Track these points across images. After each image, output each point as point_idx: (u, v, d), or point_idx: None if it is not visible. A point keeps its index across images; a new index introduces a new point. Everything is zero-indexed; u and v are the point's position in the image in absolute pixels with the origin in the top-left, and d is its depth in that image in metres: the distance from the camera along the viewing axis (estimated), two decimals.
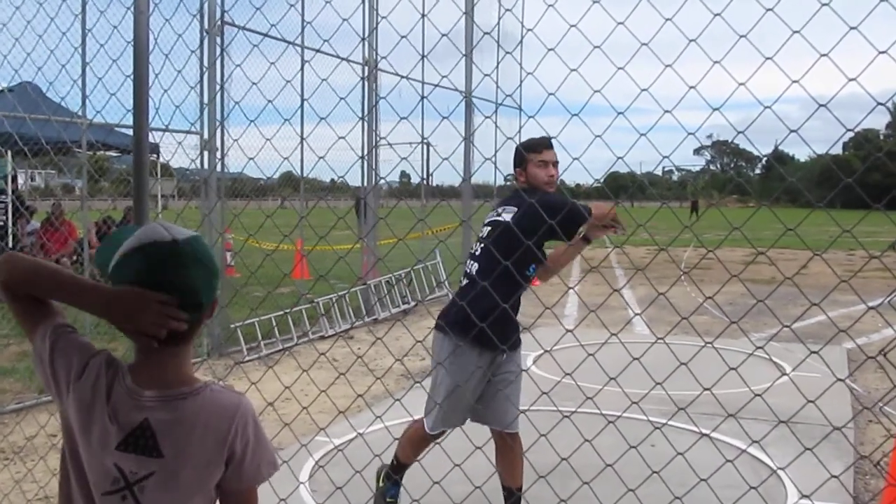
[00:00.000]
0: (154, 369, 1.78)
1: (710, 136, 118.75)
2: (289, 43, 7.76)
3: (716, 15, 2.29)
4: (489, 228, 4.35)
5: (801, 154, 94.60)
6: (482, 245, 4.31)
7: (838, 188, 2.54)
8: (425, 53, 3.28)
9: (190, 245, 1.79)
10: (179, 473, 1.75)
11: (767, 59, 2.20)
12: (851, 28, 2.11)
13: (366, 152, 10.89)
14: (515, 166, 4.45)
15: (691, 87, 2.33)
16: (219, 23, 8.67)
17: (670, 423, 3.88)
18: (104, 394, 1.74)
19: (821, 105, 2.20)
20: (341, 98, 3.18)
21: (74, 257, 12.66)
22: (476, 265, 4.30)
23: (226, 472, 1.82)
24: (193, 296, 1.78)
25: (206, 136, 8.74)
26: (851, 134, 2.40)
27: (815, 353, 2.68)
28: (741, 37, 2.24)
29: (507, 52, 2.90)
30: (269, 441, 1.91)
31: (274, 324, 9.49)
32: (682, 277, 13.55)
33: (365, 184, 12.06)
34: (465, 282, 4.36)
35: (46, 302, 1.84)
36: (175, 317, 1.75)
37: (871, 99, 2.25)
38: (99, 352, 1.82)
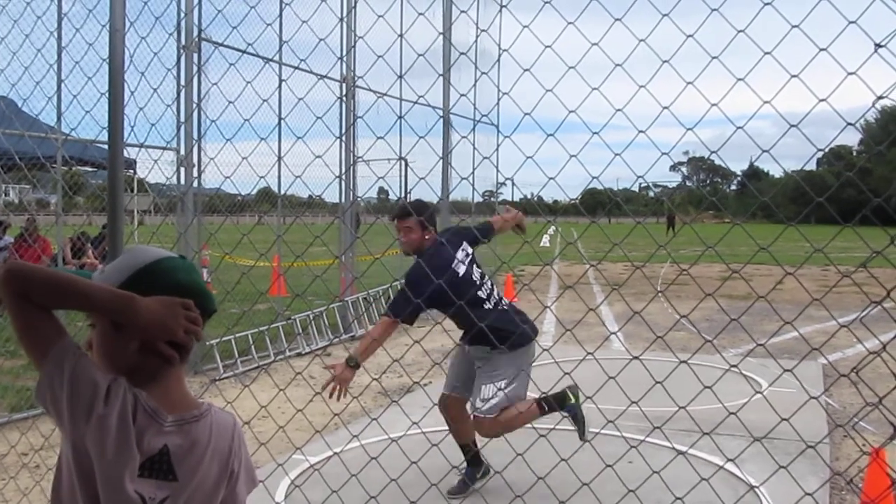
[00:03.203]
0: (166, 391, 1.77)
1: (686, 153, 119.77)
2: (266, 60, 7.76)
3: (688, 36, 2.32)
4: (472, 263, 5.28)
5: (777, 170, 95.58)
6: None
7: (811, 206, 2.56)
8: (403, 72, 3.29)
9: (192, 263, 1.88)
10: (191, 496, 1.74)
11: (739, 80, 2.23)
12: (821, 49, 2.14)
13: (343, 171, 10.88)
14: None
15: (665, 108, 2.35)
16: (196, 40, 8.65)
17: (648, 439, 3.89)
18: (130, 420, 1.70)
19: (792, 125, 2.22)
20: (318, 117, 3.19)
21: None
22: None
23: (224, 492, 1.82)
24: (211, 302, 1.85)
25: (182, 152, 8.70)
26: (825, 150, 2.42)
27: (788, 371, 2.70)
28: (713, 58, 2.26)
29: (483, 73, 2.92)
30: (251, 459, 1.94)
31: (251, 341, 9.43)
32: (659, 295, 13.61)
33: (342, 201, 12.05)
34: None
35: (54, 316, 1.74)
36: (199, 323, 1.78)
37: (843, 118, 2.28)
38: (116, 376, 1.74)
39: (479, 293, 5.06)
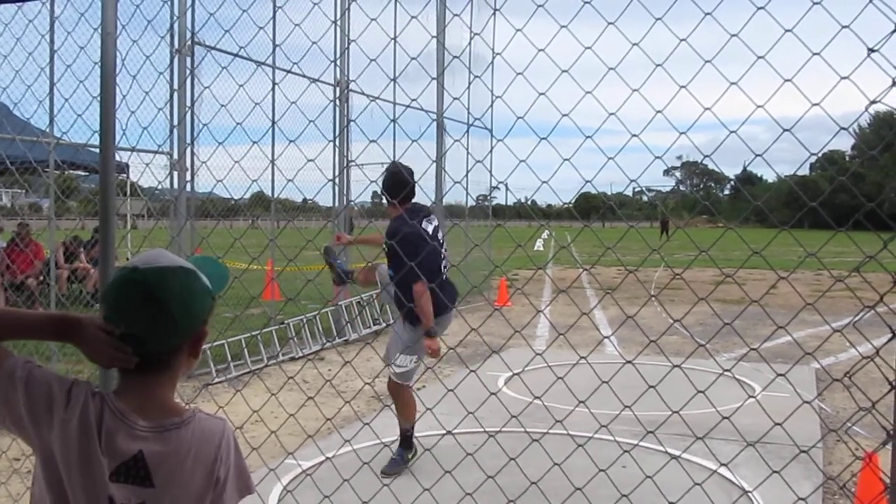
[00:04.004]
0: (140, 396, 1.75)
1: (679, 157, 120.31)
2: (259, 63, 7.75)
3: (681, 40, 2.32)
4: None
5: (770, 174, 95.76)
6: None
7: (803, 210, 2.56)
8: (396, 75, 3.29)
9: (146, 276, 1.72)
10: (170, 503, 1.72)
11: (732, 83, 2.22)
12: (814, 54, 2.14)
13: (336, 174, 10.87)
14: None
15: (658, 112, 2.35)
16: (188, 43, 8.64)
17: (644, 444, 3.88)
18: (94, 425, 1.69)
19: (785, 129, 2.22)
20: (311, 121, 3.17)
21: (41, 278, 12.48)
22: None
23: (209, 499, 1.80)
24: (132, 328, 1.71)
25: (175, 156, 8.69)
26: (818, 155, 2.42)
27: (781, 375, 2.70)
28: (706, 62, 2.26)
29: (476, 77, 2.91)
30: (246, 465, 1.90)
31: (244, 345, 9.41)
32: (653, 299, 13.63)
33: (336, 205, 12.04)
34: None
35: None
36: (116, 348, 1.71)
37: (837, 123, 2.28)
38: (76, 380, 1.75)
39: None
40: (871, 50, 2.02)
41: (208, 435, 1.79)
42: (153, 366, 1.75)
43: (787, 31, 2.17)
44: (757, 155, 2.37)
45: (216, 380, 8.75)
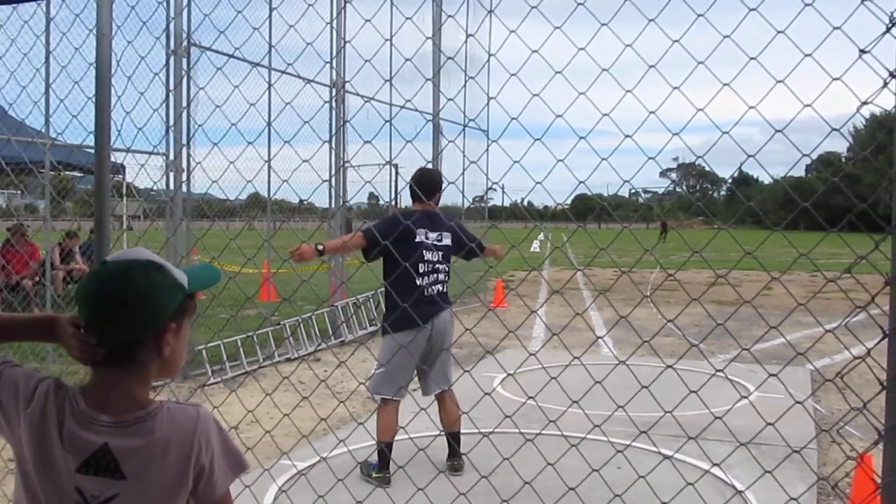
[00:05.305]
0: (105, 390, 1.76)
1: (675, 159, 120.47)
2: (254, 65, 7.75)
3: (674, 41, 2.32)
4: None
5: (766, 175, 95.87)
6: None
7: (796, 211, 2.57)
8: (392, 76, 3.29)
9: (110, 268, 1.77)
10: (144, 494, 1.73)
11: (725, 85, 2.23)
12: (806, 55, 2.15)
13: (331, 174, 10.86)
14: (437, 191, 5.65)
15: (651, 113, 2.36)
16: (184, 44, 8.63)
17: (638, 445, 3.89)
18: (55, 419, 1.72)
19: (777, 130, 2.23)
20: (305, 122, 3.18)
21: (36, 278, 12.45)
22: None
23: (199, 486, 1.79)
24: (92, 318, 1.76)
25: (171, 157, 8.69)
26: (813, 156, 2.43)
27: (773, 375, 2.71)
28: (699, 63, 2.27)
29: (470, 77, 2.92)
30: (234, 443, 1.88)
31: (239, 346, 9.40)
32: (647, 300, 13.65)
33: (331, 206, 12.04)
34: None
35: None
36: (82, 340, 1.77)
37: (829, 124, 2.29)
38: (45, 377, 1.79)
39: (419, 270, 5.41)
40: (862, 51, 2.03)
41: (180, 425, 1.78)
42: (119, 359, 1.76)
43: (779, 32, 2.18)
44: (750, 156, 2.38)
45: (212, 380, 8.74)
